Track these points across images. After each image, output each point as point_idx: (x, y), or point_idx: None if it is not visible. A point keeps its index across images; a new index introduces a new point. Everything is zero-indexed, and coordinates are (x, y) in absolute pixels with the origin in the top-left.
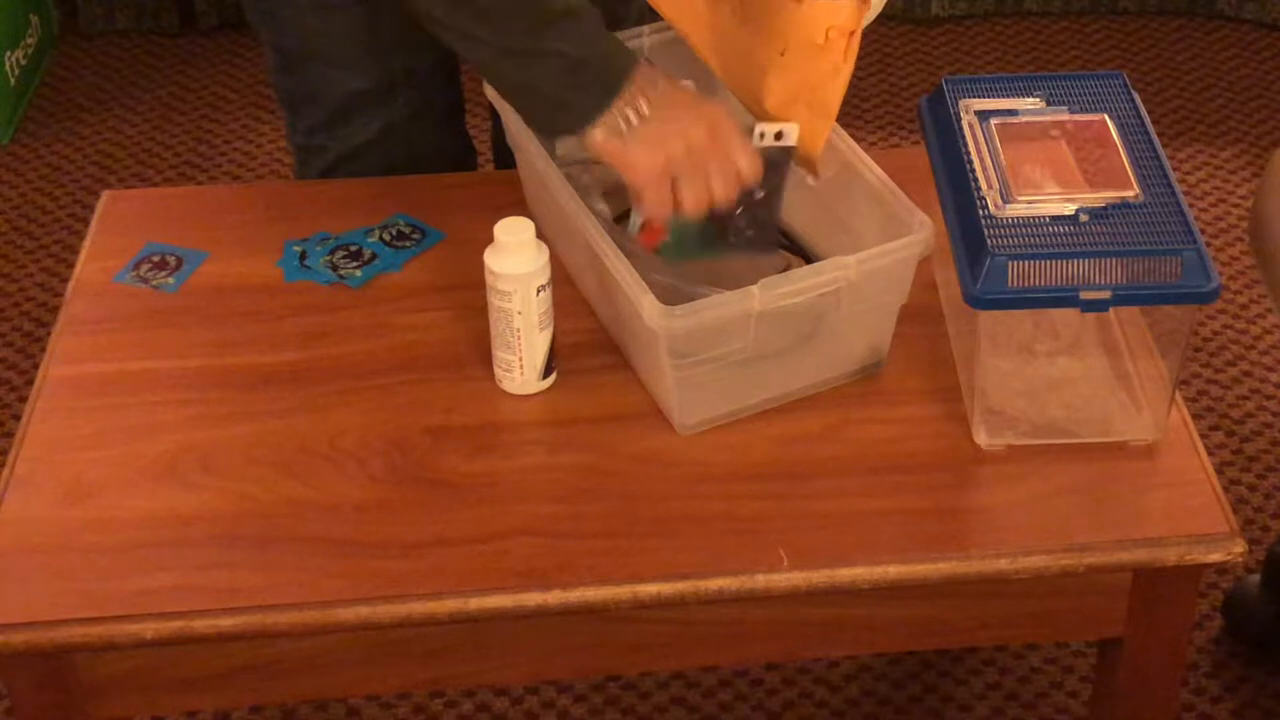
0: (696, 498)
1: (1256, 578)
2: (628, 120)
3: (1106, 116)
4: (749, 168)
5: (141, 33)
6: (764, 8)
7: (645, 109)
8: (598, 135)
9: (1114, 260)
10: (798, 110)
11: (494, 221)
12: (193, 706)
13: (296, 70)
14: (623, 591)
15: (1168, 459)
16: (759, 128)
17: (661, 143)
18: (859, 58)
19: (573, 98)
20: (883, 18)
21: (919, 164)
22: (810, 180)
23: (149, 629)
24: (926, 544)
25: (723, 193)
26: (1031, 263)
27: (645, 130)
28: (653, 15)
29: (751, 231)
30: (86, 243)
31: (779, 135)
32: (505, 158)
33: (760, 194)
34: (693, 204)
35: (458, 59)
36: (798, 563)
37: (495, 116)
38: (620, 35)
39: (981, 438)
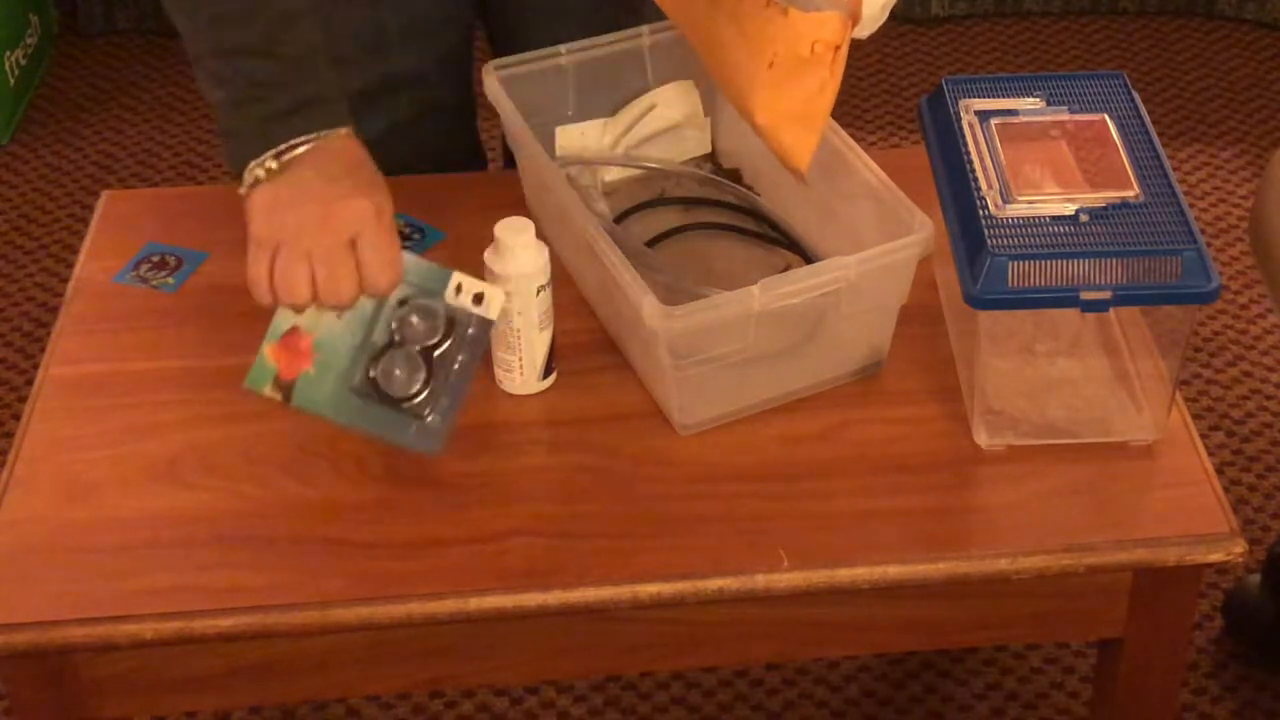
0: (696, 498)
1: (1256, 578)
2: (264, 171)
3: (1106, 116)
4: (377, 270)
5: (141, 33)
6: (754, 18)
7: (276, 166)
8: (244, 180)
9: (1114, 260)
10: (787, 124)
11: (494, 221)
12: (193, 706)
13: None
14: (623, 591)
15: (1168, 459)
16: (456, 279)
17: (270, 202)
18: (860, 58)
19: (236, 127)
20: None
21: (919, 164)
22: (799, 184)
23: (149, 629)
24: (926, 544)
25: (322, 281)
26: (1031, 263)
27: (266, 185)
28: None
29: (419, 394)
30: (86, 243)
31: (478, 298)
32: (513, 157)
33: (444, 355)
34: (280, 280)
35: (468, 59)
36: (798, 563)
37: None
38: (620, 35)
39: (981, 438)
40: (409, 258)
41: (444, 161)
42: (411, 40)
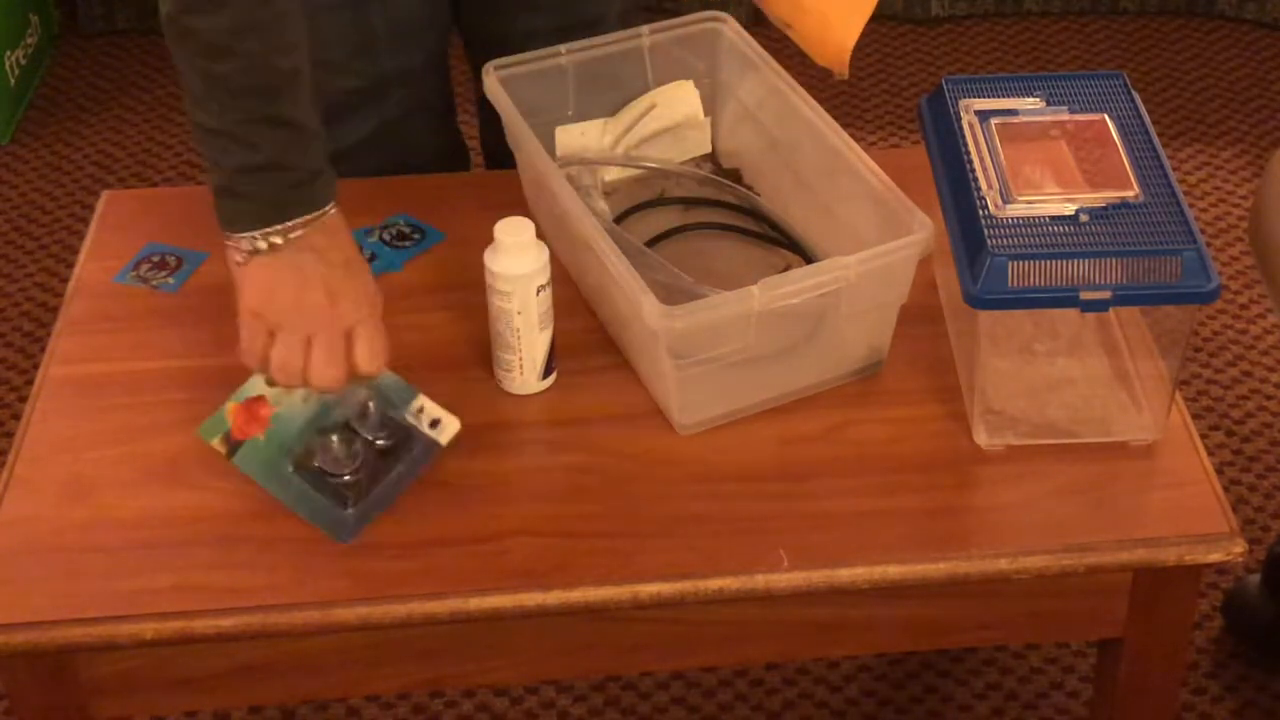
0: (696, 498)
1: (1256, 578)
2: (267, 244)
3: (1106, 116)
4: (366, 359)
5: (141, 33)
6: None
7: (281, 240)
8: (241, 244)
9: (1114, 260)
10: (835, 4)
11: (494, 221)
12: (193, 706)
13: None
14: (623, 591)
15: (1168, 459)
16: (420, 400)
17: (273, 281)
18: (860, 58)
19: (251, 192)
20: (883, 18)
21: (919, 164)
22: (837, 76)
23: (149, 629)
24: (926, 544)
25: (318, 366)
26: (1031, 263)
27: (269, 260)
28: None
29: (349, 476)
30: (86, 243)
31: (435, 423)
32: (495, 155)
33: (386, 455)
34: (278, 363)
35: (447, 57)
36: (798, 563)
37: (483, 114)
38: (620, 35)
39: (981, 438)
40: (384, 375)
41: (430, 158)
42: (398, 41)
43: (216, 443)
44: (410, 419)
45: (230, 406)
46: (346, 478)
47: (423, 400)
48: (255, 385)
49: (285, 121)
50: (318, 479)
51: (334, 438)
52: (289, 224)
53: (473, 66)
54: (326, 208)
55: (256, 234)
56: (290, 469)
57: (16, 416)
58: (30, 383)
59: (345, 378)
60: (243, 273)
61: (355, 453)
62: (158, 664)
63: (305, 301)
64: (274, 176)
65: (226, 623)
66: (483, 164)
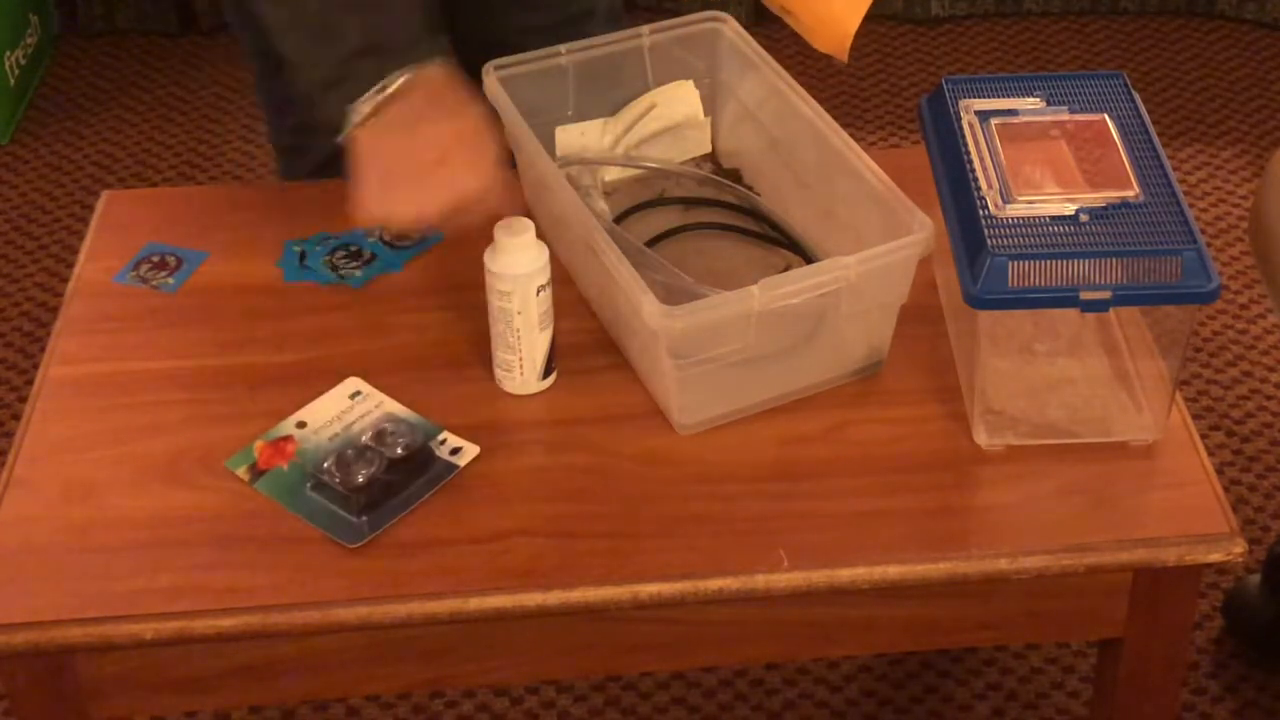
0: (696, 498)
1: (1256, 578)
2: (370, 109)
3: (1106, 116)
4: (465, 181)
5: (141, 33)
6: None
7: (374, 106)
8: (349, 117)
9: (1114, 260)
10: None
11: (494, 221)
12: (193, 706)
13: (280, 72)
14: (623, 591)
15: (1168, 459)
16: (445, 434)
17: (374, 141)
18: (860, 58)
19: (348, 77)
20: (883, 18)
21: (919, 164)
22: (838, 63)
23: (149, 629)
24: (926, 544)
25: (430, 208)
26: (1031, 263)
27: (368, 127)
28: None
29: (363, 486)
30: (86, 243)
31: (455, 451)
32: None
33: (403, 470)
34: (403, 207)
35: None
36: (798, 563)
37: None
38: (620, 35)
39: (981, 438)
40: (408, 414)
41: None
42: None
43: (241, 472)
44: (432, 446)
45: (259, 445)
46: (359, 481)
47: (446, 434)
48: (284, 428)
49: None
50: (332, 492)
51: (350, 452)
52: (377, 89)
53: (465, 65)
54: (413, 68)
55: (358, 104)
56: (309, 488)
57: (16, 416)
58: (30, 383)
59: (445, 202)
60: (353, 144)
61: (371, 462)
62: (158, 664)
63: (394, 146)
64: (365, 59)
65: (226, 623)
66: None
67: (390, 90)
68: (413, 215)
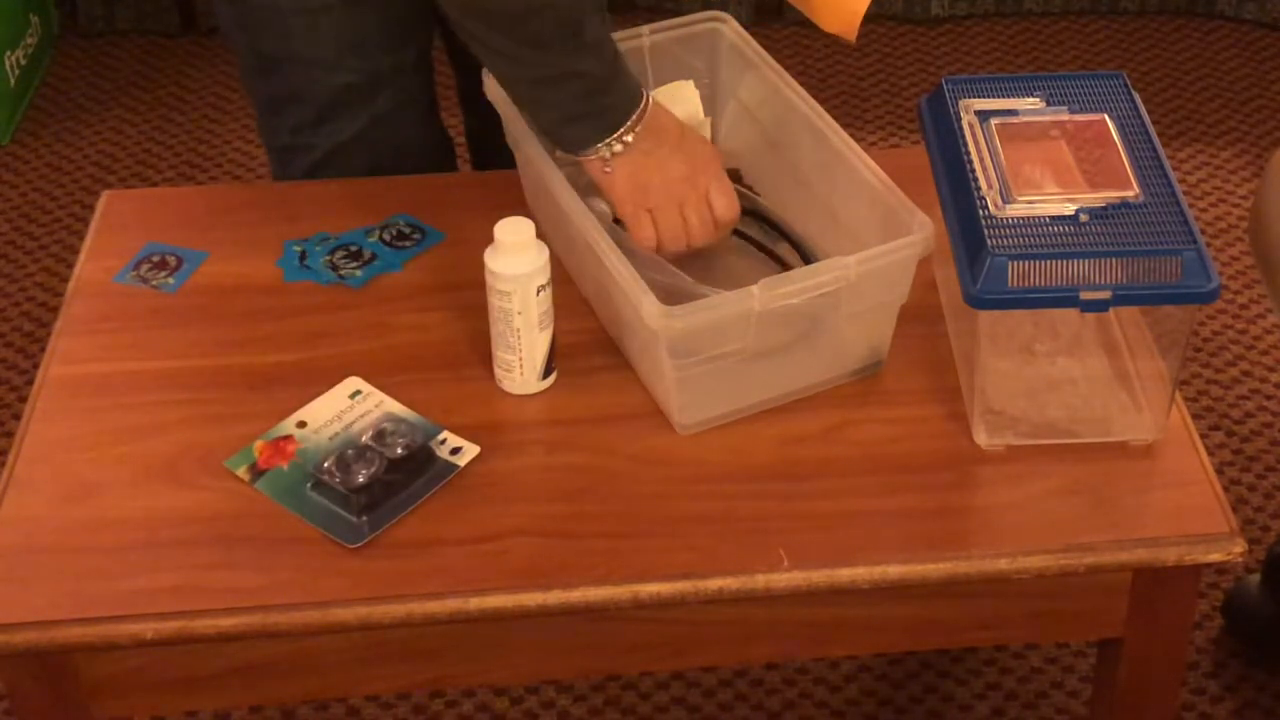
0: (696, 498)
1: (1256, 578)
2: (617, 149)
3: (1106, 116)
4: (725, 208)
5: (141, 33)
6: None
7: (630, 139)
8: (593, 159)
9: (1114, 260)
10: None
11: (494, 221)
12: (193, 706)
13: (277, 72)
14: (623, 591)
15: (1168, 459)
16: (445, 434)
17: (639, 174)
18: (860, 58)
19: (585, 113)
20: (883, 18)
21: (919, 164)
22: (845, 43)
23: (149, 629)
24: (926, 544)
25: (698, 229)
26: (1031, 263)
27: (626, 159)
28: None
29: (363, 487)
30: (86, 243)
31: (455, 451)
32: (480, 151)
33: (404, 469)
34: (668, 237)
35: (432, 52)
36: (798, 563)
37: (467, 111)
38: (620, 35)
39: (981, 438)
40: (408, 413)
41: (420, 153)
42: (392, 38)
43: (241, 472)
44: (432, 446)
45: (259, 444)
46: (360, 481)
47: (446, 434)
48: (284, 428)
49: (591, 45)
50: (333, 492)
51: (350, 452)
52: (629, 124)
53: (454, 61)
54: (646, 97)
55: (607, 142)
56: (309, 488)
57: (16, 416)
58: (30, 383)
59: (716, 230)
60: (611, 179)
61: (371, 462)
62: (158, 664)
63: (669, 179)
64: (599, 94)
65: (226, 623)
66: (468, 159)
67: (639, 127)
68: (683, 240)
